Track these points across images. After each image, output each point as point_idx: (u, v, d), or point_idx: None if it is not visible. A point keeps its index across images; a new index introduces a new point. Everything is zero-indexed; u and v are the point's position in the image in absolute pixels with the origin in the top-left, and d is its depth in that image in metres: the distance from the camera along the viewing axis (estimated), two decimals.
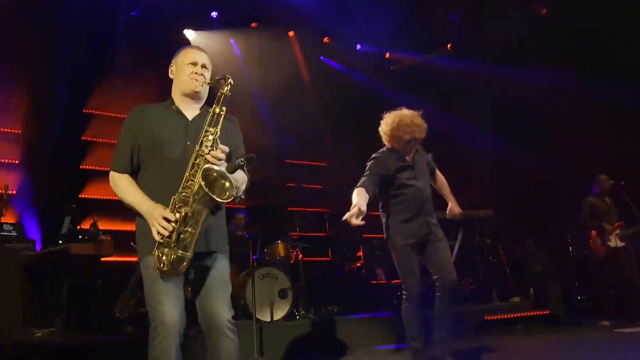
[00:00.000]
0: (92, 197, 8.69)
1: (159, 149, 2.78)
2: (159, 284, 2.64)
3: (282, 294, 6.92)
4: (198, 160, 2.64)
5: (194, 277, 2.78)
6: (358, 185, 4.29)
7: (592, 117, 9.28)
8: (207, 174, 2.58)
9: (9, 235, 6.52)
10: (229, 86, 2.76)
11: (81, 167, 8.84)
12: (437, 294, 4.42)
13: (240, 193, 2.81)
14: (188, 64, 2.93)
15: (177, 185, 2.65)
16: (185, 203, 2.59)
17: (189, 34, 9.74)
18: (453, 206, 4.75)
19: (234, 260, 7.85)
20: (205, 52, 3.01)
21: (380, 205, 4.62)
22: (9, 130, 8.30)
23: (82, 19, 8.57)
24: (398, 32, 9.60)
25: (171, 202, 2.62)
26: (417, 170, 4.55)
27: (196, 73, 2.91)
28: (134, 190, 2.79)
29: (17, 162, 8.24)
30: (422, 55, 11.13)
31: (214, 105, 2.74)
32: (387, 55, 11.49)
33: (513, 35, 9.97)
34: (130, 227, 8.39)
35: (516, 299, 8.22)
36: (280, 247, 7.48)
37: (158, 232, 2.61)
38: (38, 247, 6.98)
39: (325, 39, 10.90)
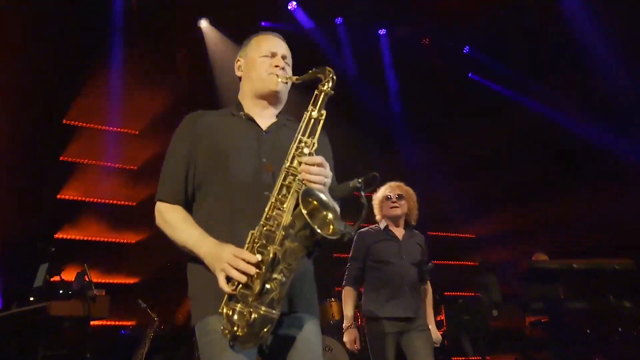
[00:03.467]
0: (75, 237, 8.52)
1: (223, 168, 2.66)
2: (226, 358, 2.42)
3: None
4: (288, 180, 2.49)
5: (269, 350, 2.56)
6: (345, 282, 5.26)
7: None
8: (307, 200, 2.39)
9: None
10: (331, 82, 2.62)
11: (59, 197, 8.65)
12: None
13: (349, 229, 2.47)
14: (263, 55, 2.87)
15: (251, 216, 2.50)
16: (270, 240, 2.41)
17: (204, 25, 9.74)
18: (433, 331, 5.27)
19: None
20: (284, 41, 2.96)
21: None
22: None
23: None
24: None
25: (249, 237, 2.43)
26: (403, 247, 5.22)
27: (277, 66, 2.83)
28: (190, 226, 2.62)
29: None
30: None
31: (309, 108, 2.62)
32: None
33: None
34: (132, 279, 8.26)
35: None
36: (334, 307, 7.34)
37: (230, 281, 2.39)
38: None
39: None
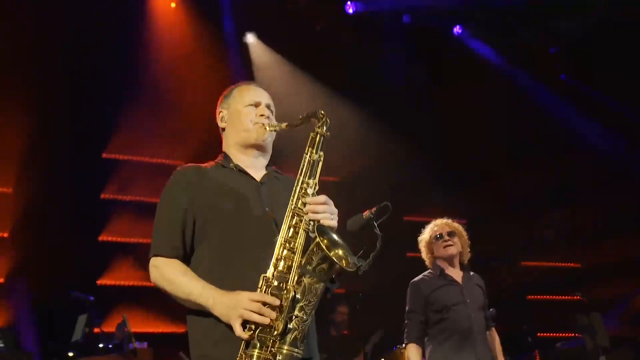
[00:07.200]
0: (118, 283, 8.62)
1: (226, 220, 2.91)
2: None
3: None
4: (295, 221, 2.78)
5: None
6: (406, 339, 5.30)
7: None
8: (322, 236, 2.67)
9: None
10: (326, 125, 2.92)
11: (100, 239, 8.80)
12: None
13: (363, 262, 2.75)
14: (247, 105, 3.15)
15: (261, 264, 2.74)
16: (283, 281, 2.67)
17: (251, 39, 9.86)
18: None
19: None
20: (266, 91, 3.27)
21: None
22: None
23: (102, 23, 8.50)
24: None
25: (261, 281, 2.67)
26: (465, 290, 5.31)
27: (262, 115, 3.12)
28: (192, 278, 2.82)
29: (6, 235, 8.26)
30: None
31: (308, 150, 2.91)
32: None
33: None
34: (177, 328, 8.22)
35: None
36: (405, 356, 6.90)
37: (246, 327, 2.62)
38: None
39: None
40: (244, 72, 9.38)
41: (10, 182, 8.32)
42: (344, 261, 2.65)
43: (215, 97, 8.82)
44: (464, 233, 5.51)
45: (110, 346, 6.26)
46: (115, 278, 8.62)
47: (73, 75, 8.55)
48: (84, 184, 8.60)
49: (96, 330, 6.58)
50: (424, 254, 5.54)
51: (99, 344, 6.36)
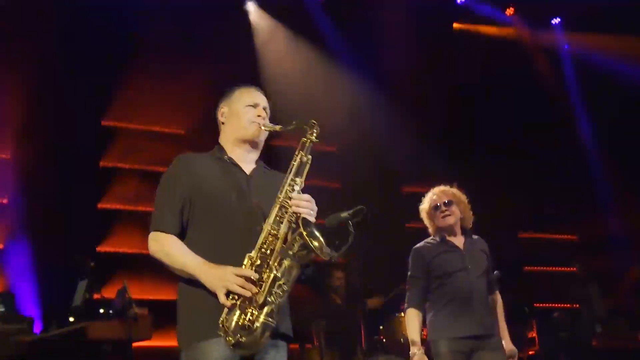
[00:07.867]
0: (118, 250, 8.62)
1: (218, 207, 3.23)
2: None
3: None
4: (281, 212, 3.11)
5: None
6: (407, 304, 5.34)
7: None
8: (305, 226, 3.00)
9: None
10: (316, 132, 3.26)
11: (100, 206, 8.83)
12: None
13: (334, 253, 3.09)
14: (247, 105, 3.45)
15: (244, 250, 3.03)
16: (265, 261, 3.00)
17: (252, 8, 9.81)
18: (507, 344, 5.36)
19: (334, 345, 7.30)
20: (264, 94, 3.58)
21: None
22: None
23: None
24: None
25: (246, 259, 2.98)
26: (467, 256, 5.31)
27: (259, 116, 3.42)
28: (186, 251, 3.12)
29: (5, 201, 8.28)
30: None
31: (298, 152, 3.25)
32: None
33: None
34: (176, 295, 8.32)
35: None
36: (404, 324, 6.95)
37: (232, 294, 2.90)
38: (37, 328, 6.98)
39: None
40: (244, 39, 9.35)
41: (8, 148, 8.33)
42: (319, 251, 2.97)
43: (215, 65, 8.77)
44: (463, 198, 5.50)
45: (110, 312, 6.22)
46: (114, 245, 8.67)
47: (72, 42, 8.55)
48: (83, 150, 8.65)
49: (96, 296, 6.53)
50: (426, 223, 5.56)
51: (99, 309, 6.29)
